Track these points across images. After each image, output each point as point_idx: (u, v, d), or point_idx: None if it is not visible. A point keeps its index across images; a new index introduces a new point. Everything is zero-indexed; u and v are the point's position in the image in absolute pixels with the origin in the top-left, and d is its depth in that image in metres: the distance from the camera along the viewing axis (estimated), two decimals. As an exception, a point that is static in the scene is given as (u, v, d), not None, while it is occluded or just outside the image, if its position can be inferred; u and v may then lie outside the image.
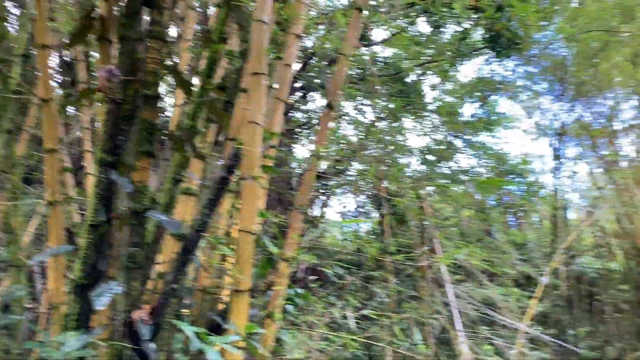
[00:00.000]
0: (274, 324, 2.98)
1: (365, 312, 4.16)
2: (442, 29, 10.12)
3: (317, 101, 11.20)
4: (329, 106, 3.33)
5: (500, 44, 6.97)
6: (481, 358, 5.17)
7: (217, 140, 3.41)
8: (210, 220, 2.66)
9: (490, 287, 6.86)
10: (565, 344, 9.06)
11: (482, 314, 5.92)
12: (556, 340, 7.28)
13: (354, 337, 3.54)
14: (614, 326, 9.88)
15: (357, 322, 5.68)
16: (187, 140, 2.52)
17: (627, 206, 10.49)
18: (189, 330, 2.21)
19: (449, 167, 13.26)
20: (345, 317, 3.70)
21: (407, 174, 13.22)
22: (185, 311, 2.85)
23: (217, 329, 2.70)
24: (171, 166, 2.58)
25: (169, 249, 2.62)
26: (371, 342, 4.34)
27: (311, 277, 3.52)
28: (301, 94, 10.65)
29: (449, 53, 10.56)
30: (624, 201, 10.55)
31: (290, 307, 3.19)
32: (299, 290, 3.25)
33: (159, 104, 2.54)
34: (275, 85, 3.75)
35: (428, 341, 5.66)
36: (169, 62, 2.70)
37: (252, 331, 2.60)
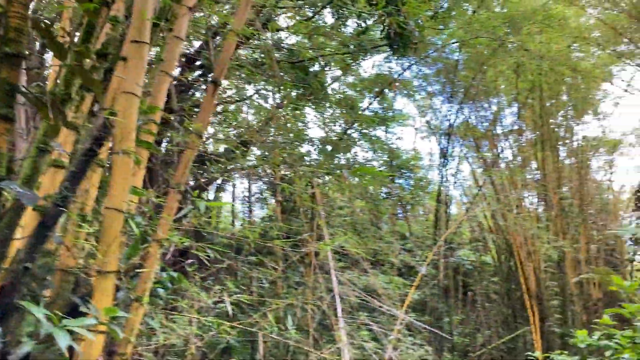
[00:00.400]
0: (142, 308, 2.80)
1: (243, 297, 4.08)
2: (345, 22, 10.24)
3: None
4: (214, 83, 3.18)
5: (396, 41, 7.17)
6: (358, 343, 5.31)
7: (92, 110, 3.13)
8: (74, 195, 2.42)
9: (373, 275, 7.09)
10: (438, 331, 9.67)
11: (363, 300, 6.09)
12: (429, 328, 7.72)
13: (222, 323, 3.46)
14: (484, 315, 10.71)
15: (236, 308, 5.60)
16: (55, 108, 2.26)
17: (502, 204, 11.39)
18: (37, 312, 1.99)
19: (346, 159, 13.59)
20: (222, 302, 3.60)
21: (304, 163, 13.36)
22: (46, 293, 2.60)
23: (78, 313, 2.49)
24: (38, 134, 2.32)
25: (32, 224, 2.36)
26: (246, 328, 4.28)
27: (189, 261, 3.37)
28: (200, 72, 10.27)
29: (351, 47, 10.73)
30: (500, 200, 11.45)
31: (161, 291, 3.02)
32: (172, 274, 3.09)
33: (28, 65, 2.25)
34: (164, 58, 3.53)
35: (310, 327, 5.72)
36: (40, 20, 2.40)
37: (114, 315, 2.41)
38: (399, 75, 12.16)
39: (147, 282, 2.86)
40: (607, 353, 4.03)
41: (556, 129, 12.41)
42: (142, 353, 3.39)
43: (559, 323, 9.94)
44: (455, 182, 12.98)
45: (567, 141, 12.96)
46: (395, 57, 10.74)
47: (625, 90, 10.77)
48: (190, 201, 3.25)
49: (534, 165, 13.16)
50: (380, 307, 6.04)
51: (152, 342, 3.38)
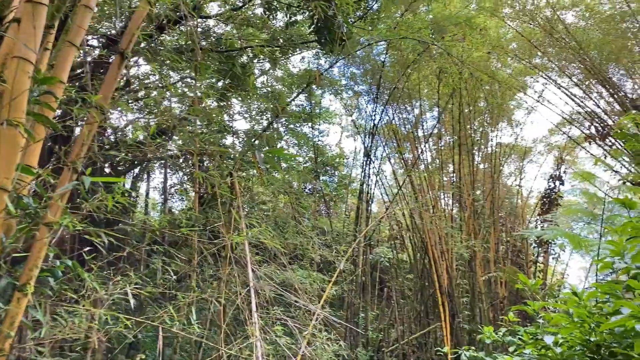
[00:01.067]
0: (26, 298, 2.55)
1: (148, 290, 3.85)
2: (275, 14, 10.13)
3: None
4: (121, 55, 2.96)
5: (324, 34, 7.17)
6: (271, 338, 5.23)
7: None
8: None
9: (291, 270, 7.04)
10: (354, 327, 9.81)
11: (279, 295, 6.02)
12: (345, 323, 7.78)
13: (119, 316, 3.24)
14: (398, 311, 11.00)
15: (144, 302, 5.34)
16: None
17: (419, 204, 11.76)
18: None
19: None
20: (125, 295, 3.36)
21: (229, 155, 13.10)
22: None
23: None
24: None
25: None
26: (148, 322, 4.06)
27: (87, 249, 3.12)
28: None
29: (280, 40, 10.63)
30: (418, 199, 11.82)
31: (52, 280, 2.77)
32: (67, 262, 2.84)
33: None
34: (70, 28, 3.26)
35: (221, 322, 5.56)
36: None
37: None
38: (326, 70, 12.20)
39: (33, 270, 2.61)
40: (511, 349, 4.22)
41: (472, 135, 12.99)
42: (34, 348, 3.10)
43: (467, 320, 10.40)
44: (377, 181, 13.24)
45: (482, 147, 13.65)
46: (324, 53, 10.78)
47: (537, 101, 11.46)
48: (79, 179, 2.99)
49: (450, 168, 13.74)
50: (296, 302, 6.00)
51: (48, 337, 3.10)
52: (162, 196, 11.99)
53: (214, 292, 5.36)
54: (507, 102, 13.19)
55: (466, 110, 12.24)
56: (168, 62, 9.41)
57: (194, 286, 5.23)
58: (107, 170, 10.16)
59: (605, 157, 10.22)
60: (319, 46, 9.81)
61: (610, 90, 9.90)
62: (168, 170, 12.07)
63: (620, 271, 2.86)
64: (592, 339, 2.57)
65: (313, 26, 7.27)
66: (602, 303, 2.81)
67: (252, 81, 11.98)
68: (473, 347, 6.23)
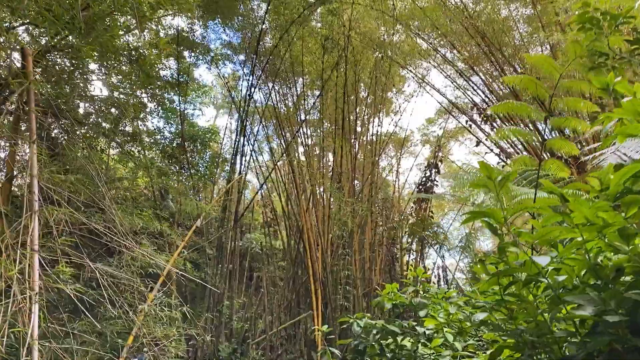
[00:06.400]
0: None
1: None
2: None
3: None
4: None
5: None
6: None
7: None
8: None
9: (139, 252, 5.78)
10: (214, 316, 8.71)
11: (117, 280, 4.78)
12: (189, 310, 6.69)
13: None
14: (268, 299, 10.08)
15: None
16: None
17: (298, 189, 10.99)
18: None
19: (133, 125, 11.86)
20: None
21: (83, 125, 11.29)
22: None
23: None
24: None
25: None
26: None
27: None
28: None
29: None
30: (296, 184, 11.03)
31: None
32: None
33: None
34: None
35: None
36: None
37: None
38: (205, 40, 10.99)
39: None
40: (422, 312, 3.77)
41: (353, 123, 12.55)
42: None
43: (340, 308, 9.79)
44: (251, 163, 12.27)
45: (362, 136, 13.30)
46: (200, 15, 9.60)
47: (420, 86, 11.29)
48: None
49: (330, 154, 13.18)
50: (135, 285, 4.80)
51: None
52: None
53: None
54: (389, 89, 12.99)
55: (352, 97, 11.74)
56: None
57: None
58: None
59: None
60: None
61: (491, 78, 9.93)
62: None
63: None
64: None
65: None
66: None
67: (111, 40, 10.37)
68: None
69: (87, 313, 4.53)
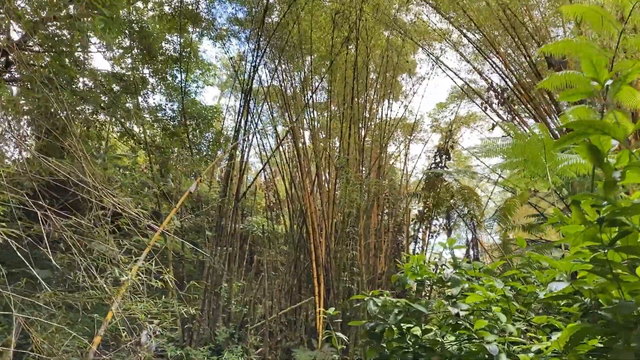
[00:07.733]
0: None
1: None
2: None
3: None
4: None
5: None
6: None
7: None
8: None
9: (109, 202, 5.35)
10: (212, 298, 8.31)
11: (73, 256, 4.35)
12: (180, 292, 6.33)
13: None
14: (268, 284, 9.70)
15: None
16: None
17: (303, 171, 10.56)
18: None
19: (135, 101, 11.45)
20: None
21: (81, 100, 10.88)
22: None
23: None
24: None
25: None
26: None
27: None
28: None
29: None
30: (300, 168, 10.60)
31: None
32: None
33: None
34: None
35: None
36: None
37: None
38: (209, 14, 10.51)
39: None
40: (455, 290, 3.47)
41: (361, 107, 12.09)
42: None
43: (343, 295, 9.40)
44: (255, 143, 11.84)
45: (371, 120, 12.82)
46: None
47: (432, 68, 10.80)
48: None
49: (337, 139, 12.71)
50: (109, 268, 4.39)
51: None
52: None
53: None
54: (398, 75, 12.50)
55: (361, 81, 11.24)
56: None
57: None
58: None
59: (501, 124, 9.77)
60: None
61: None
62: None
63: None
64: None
65: None
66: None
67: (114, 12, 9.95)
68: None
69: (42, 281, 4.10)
